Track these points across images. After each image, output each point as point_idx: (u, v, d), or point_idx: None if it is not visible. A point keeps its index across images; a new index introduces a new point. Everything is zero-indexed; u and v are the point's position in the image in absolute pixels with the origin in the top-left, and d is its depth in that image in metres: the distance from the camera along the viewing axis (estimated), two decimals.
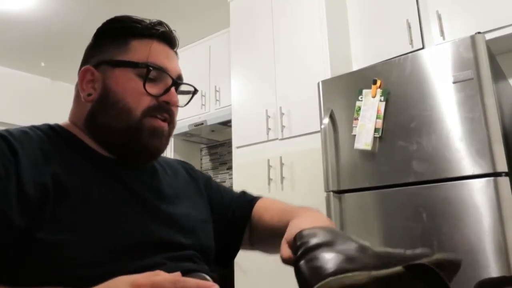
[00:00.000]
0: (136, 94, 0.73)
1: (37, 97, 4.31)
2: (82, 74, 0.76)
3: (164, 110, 0.75)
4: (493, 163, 1.59)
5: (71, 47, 3.74)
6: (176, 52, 0.83)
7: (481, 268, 1.53)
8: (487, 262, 1.53)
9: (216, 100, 3.40)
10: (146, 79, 0.73)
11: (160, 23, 0.79)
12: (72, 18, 3.35)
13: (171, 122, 0.78)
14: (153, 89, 0.74)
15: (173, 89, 0.76)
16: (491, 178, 1.59)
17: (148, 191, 0.75)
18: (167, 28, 0.80)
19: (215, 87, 3.43)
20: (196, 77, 3.57)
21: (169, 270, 0.65)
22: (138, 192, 0.73)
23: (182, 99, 0.86)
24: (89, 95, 0.74)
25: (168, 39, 0.79)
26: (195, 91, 0.85)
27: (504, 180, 1.58)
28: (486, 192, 1.59)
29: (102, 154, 0.74)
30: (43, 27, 3.49)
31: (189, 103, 0.87)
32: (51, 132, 0.72)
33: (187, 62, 3.67)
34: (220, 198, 0.92)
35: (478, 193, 1.60)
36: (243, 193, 0.96)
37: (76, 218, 0.62)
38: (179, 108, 0.82)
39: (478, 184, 1.61)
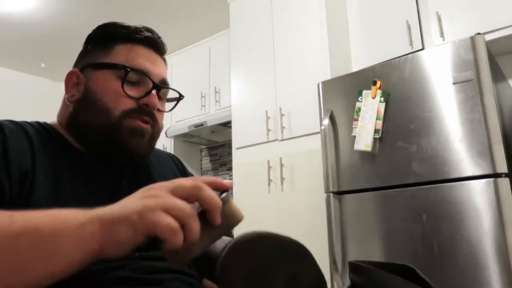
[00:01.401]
0: (115, 95, 0.73)
1: (37, 98, 4.31)
2: (68, 77, 0.78)
3: (145, 113, 0.75)
4: (493, 164, 1.59)
5: (71, 48, 3.73)
6: (164, 60, 0.83)
7: (481, 269, 1.53)
8: (487, 263, 1.53)
9: (216, 101, 3.41)
10: (124, 80, 0.73)
11: (146, 29, 0.80)
12: (72, 19, 3.35)
13: (154, 125, 0.77)
14: (133, 91, 0.74)
15: (154, 92, 0.76)
16: (491, 179, 1.59)
17: (127, 192, 0.74)
18: (153, 34, 0.80)
19: (215, 88, 3.43)
20: (196, 78, 3.58)
21: (139, 271, 0.65)
22: (116, 193, 0.71)
23: (169, 106, 0.86)
24: (72, 96, 0.77)
25: (153, 44, 0.80)
26: (180, 97, 0.85)
27: (504, 181, 1.58)
28: (486, 193, 1.59)
29: (85, 153, 0.75)
30: (43, 28, 3.49)
31: (174, 107, 0.87)
32: (40, 128, 0.74)
33: (187, 63, 3.68)
34: None
35: (478, 194, 1.60)
36: None
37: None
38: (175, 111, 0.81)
39: (478, 185, 1.61)
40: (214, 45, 3.56)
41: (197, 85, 3.56)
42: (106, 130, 0.73)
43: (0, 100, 4.02)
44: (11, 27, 3.45)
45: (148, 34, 0.79)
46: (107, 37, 0.78)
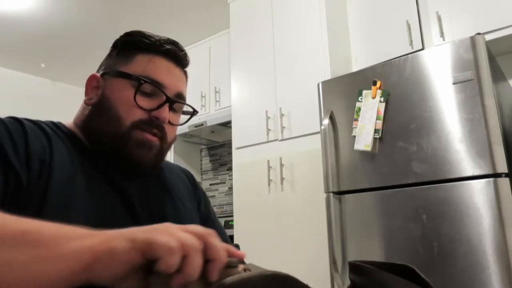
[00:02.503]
0: (127, 105, 0.74)
1: (37, 98, 4.31)
2: (88, 80, 0.80)
3: (154, 125, 0.76)
4: (493, 164, 1.59)
5: (71, 48, 3.74)
6: (185, 73, 0.84)
7: (481, 269, 1.53)
8: (487, 263, 1.53)
9: (216, 101, 3.41)
10: (137, 91, 0.74)
11: (170, 41, 0.81)
12: (72, 19, 3.35)
13: (162, 138, 0.77)
14: (146, 102, 0.75)
15: (166, 106, 0.76)
16: (491, 179, 1.59)
17: (140, 194, 0.76)
18: (176, 47, 0.81)
19: (215, 88, 3.43)
20: (196, 78, 3.58)
21: None
22: (127, 193, 0.74)
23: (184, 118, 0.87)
24: (90, 99, 0.79)
25: (174, 57, 0.80)
26: (194, 112, 0.86)
27: (504, 181, 1.58)
28: (486, 193, 1.59)
29: (97, 153, 0.76)
30: (43, 28, 3.49)
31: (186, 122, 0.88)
32: (54, 127, 0.75)
33: None
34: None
35: (478, 194, 1.60)
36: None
37: (58, 208, 0.63)
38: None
39: (478, 185, 1.61)
40: (214, 45, 3.56)
41: (197, 85, 3.56)
42: (114, 139, 0.74)
43: (0, 100, 4.02)
44: (11, 27, 3.45)
45: (171, 46, 0.80)
46: (130, 46, 0.79)
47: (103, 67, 0.81)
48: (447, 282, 1.60)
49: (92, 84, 0.79)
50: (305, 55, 2.52)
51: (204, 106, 3.49)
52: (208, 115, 3.41)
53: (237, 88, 2.86)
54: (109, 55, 0.83)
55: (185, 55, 0.83)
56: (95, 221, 0.66)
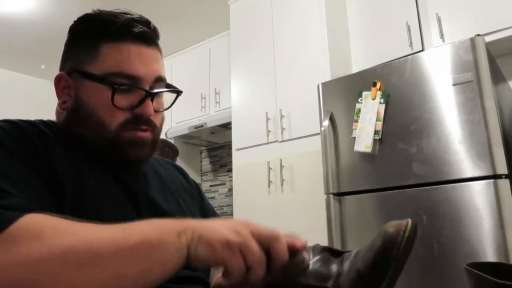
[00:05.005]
0: (107, 108, 0.69)
1: (37, 100, 4.30)
2: (56, 83, 0.74)
3: (141, 122, 0.71)
4: (493, 165, 1.59)
5: None
6: (158, 48, 0.76)
7: None
8: None
9: (216, 102, 3.41)
10: (113, 96, 0.68)
11: (136, 20, 0.72)
12: (72, 20, 3.34)
13: (154, 130, 0.73)
14: (125, 101, 0.69)
15: (148, 100, 0.70)
16: (491, 181, 1.59)
17: (141, 190, 0.74)
18: (144, 26, 0.73)
19: (215, 89, 3.43)
20: (196, 79, 3.58)
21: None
22: (134, 191, 0.72)
23: (169, 98, 0.80)
24: (64, 102, 0.73)
25: (144, 38, 0.72)
26: (179, 94, 0.79)
27: (504, 183, 1.58)
28: (486, 194, 1.59)
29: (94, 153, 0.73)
30: (43, 29, 3.49)
31: (176, 105, 0.82)
32: (48, 126, 0.71)
33: (187, 64, 3.68)
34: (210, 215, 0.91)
35: (478, 196, 1.60)
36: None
37: (75, 204, 0.62)
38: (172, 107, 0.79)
39: (478, 187, 1.61)
40: (214, 46, 3.56)
41: (197, 86, 3.56)
42: (104, 143, 0.70)
43: (0, 101, 4.02)
44: (11, 28, 3.45)
45: (139, 29, 0.71)
46: (91, 35, 0.72)
47: (67, 63, 0.74)
48: (447, 283, 1.59)
49: (60, 85, 0.73)
50: (305, 57, 2.52)
51: (204, 107, 3.49)
52: (208, 116, 3.41)
53: (237, 90, 2.86)
54: (68, 48, 0.76)
55: (155, 31, 0.74)
56: (109, 217, 0.65)
